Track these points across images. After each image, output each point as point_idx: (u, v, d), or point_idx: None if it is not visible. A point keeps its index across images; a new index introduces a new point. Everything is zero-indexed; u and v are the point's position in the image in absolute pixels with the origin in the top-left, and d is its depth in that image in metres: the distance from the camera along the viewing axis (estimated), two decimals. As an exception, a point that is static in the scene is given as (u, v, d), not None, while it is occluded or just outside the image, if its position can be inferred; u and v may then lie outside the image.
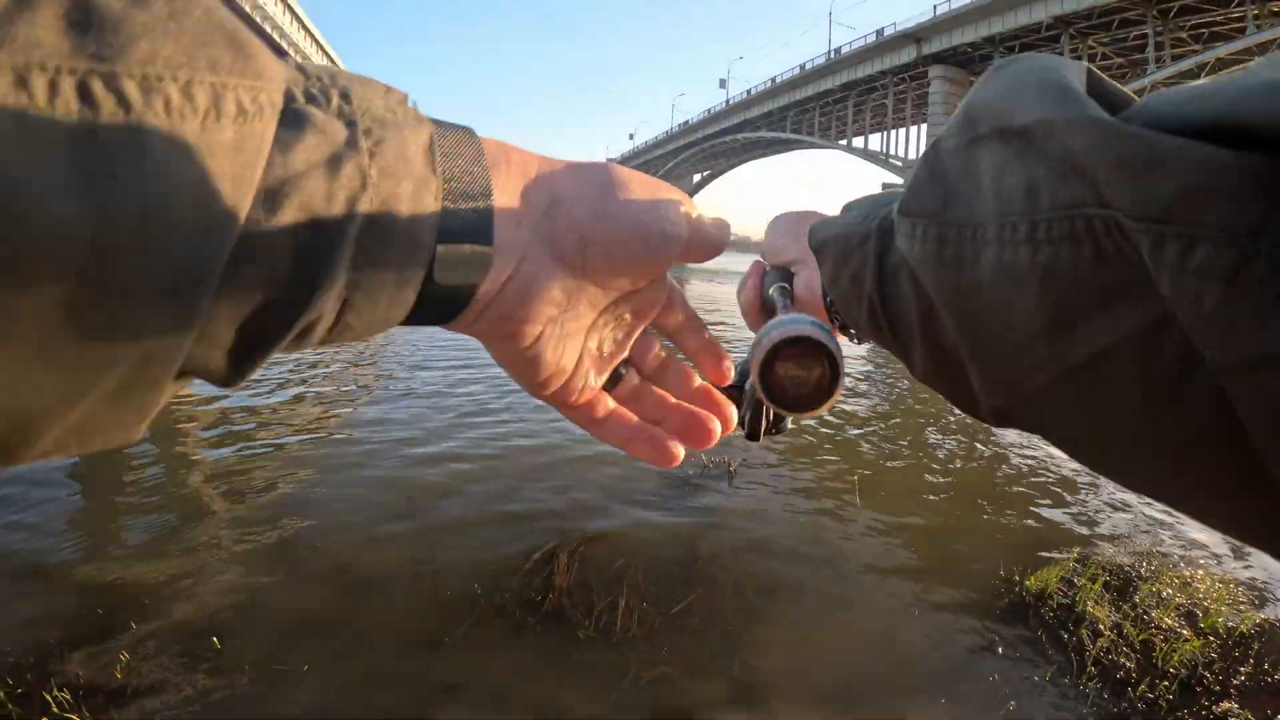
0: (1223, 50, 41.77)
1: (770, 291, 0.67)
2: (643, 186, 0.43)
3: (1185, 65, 43.66)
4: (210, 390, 7.38)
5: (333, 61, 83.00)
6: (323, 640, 3.19)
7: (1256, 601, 4.27)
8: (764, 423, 0.67)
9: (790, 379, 0.39)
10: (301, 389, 7.83)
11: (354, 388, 8.04)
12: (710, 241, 0.48)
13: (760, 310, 0.71)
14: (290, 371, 8.44)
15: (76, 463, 5.38)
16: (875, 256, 0.45)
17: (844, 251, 0.49)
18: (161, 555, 3.96)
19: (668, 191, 0.45)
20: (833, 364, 0.39)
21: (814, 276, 0.63)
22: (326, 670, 2.98)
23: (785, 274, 0.69)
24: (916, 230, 0.38)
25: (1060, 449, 0.31)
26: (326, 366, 8.86)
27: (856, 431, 7.70)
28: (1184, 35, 46.46)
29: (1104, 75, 0.31)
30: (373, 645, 3.13)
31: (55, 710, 2.65)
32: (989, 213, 0.33)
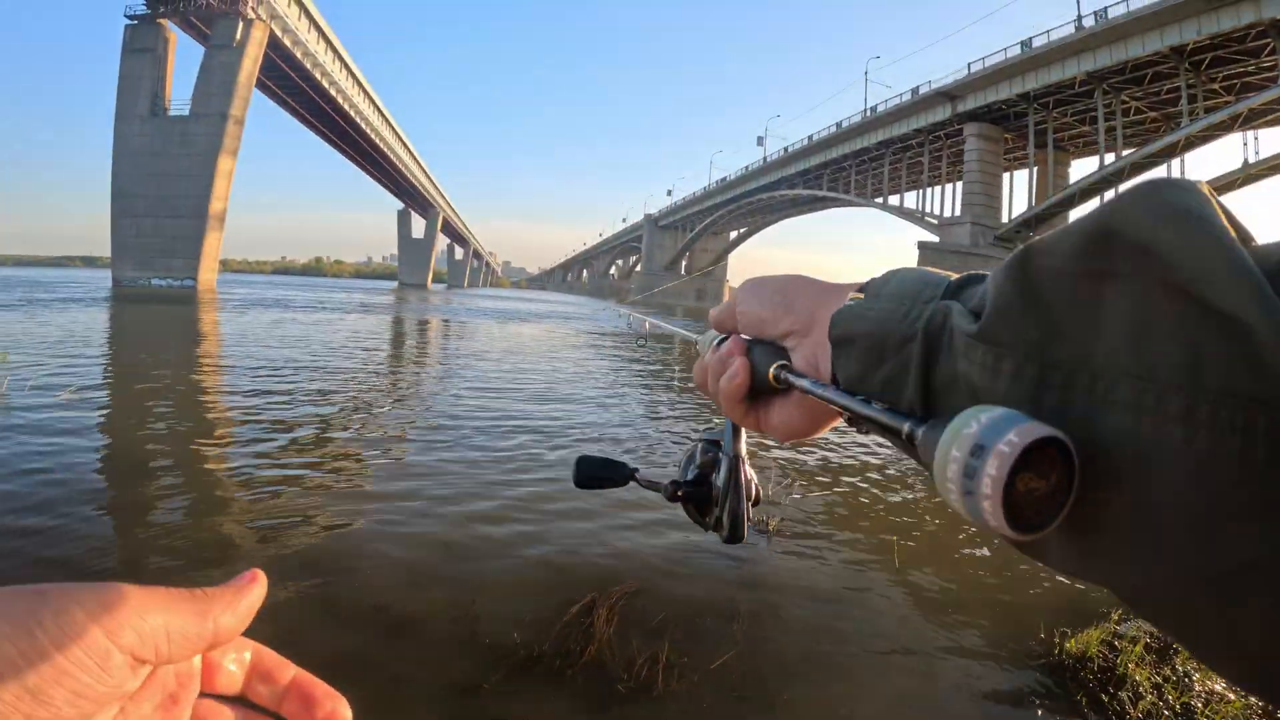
0: (1255, 101, 41.52)
1: (774, 371, 0.58)
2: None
3: (1219, 117, 43.41)
4: (248, 432, 7.64)
5: (375, 104, 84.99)
6: (359, 681, 3.21)
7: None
8: (746, 521, 0.63)
9: (1030, 494, 0.32)
10: (342, 432, 7.98)
11: (394, 432, 8.18)
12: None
13: (748, 394, 0.62)
14: (334, 413, 8.61)
15: (114, 494, 5.56)
16: (920, 366, 0.41)
17: (877, 350, 0.45)
18: (183, 573, 4.08)
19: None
20: (1068, 463, 0.32)
21: (817, 353, 0.56)
22: (362, 712, 3.02)
23: (777, 350, 0.60)
24: (1003, 365, 0.34)
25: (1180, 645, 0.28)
26: (369, 410, 9.01)
27: (892, 491, 7.68)
28: (1216, 87, 46.24)
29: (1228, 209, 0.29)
30: (411, 688, 3.21)
31: None
32: (1117, 367, 0.30)
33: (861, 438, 10.57)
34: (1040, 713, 3.50)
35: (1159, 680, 3.79)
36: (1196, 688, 3.75)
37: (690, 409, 11.84)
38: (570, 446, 8.34)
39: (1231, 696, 3.68)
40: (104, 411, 8.73)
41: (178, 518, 5.32)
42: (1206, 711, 3.52)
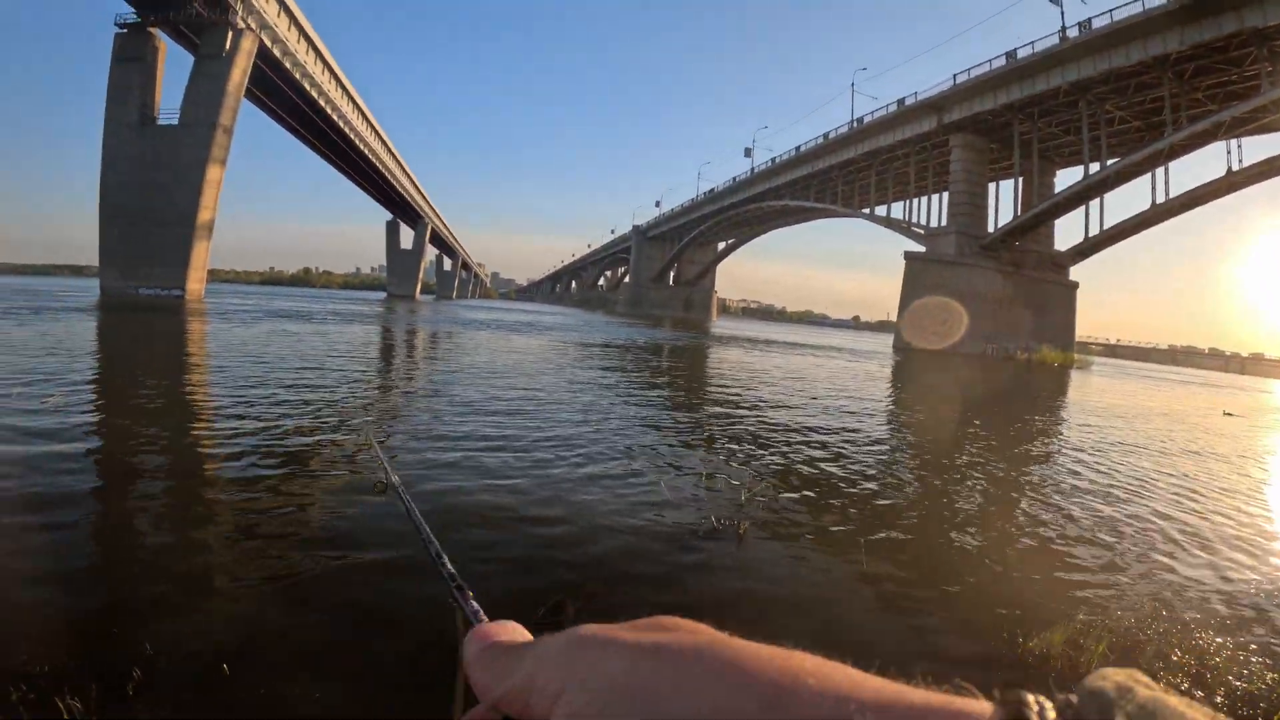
0: (1239, 109, 42.00)
1: None
2: None
3: (1202, 126, 43.92)
4: (230, 422, 7.59)
5: (370, 122, 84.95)
6: (332, 672, 3.30)
7: (1268, 664, 4.22)
8: None
9: None
10: (330, 434, 7.95)
11: (366, 419, 8.17)
12: None
13: None
14: (320, 401, 8.59)
15: (100, 485, 5.56)
16: None
17: None
18: (175, 579, 4.11)
19: None
20: None
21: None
22: (334, 702, 3.07)
23: None
24: None
25: None
26: (359, 400, 9.00)
27: (860, 494, 7.71)
28: (1199, 96, 46.71)
29: None
30: (381, 679, 3.21)
31: (66, 717, 2.76)
32: None
33: (827, 444, 10.63)
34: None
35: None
36: (1162, 686, 3.76)
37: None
38: (544, 447, 8.35)
39: (1198, 693, 3.70)
40: (93, 418, 8.71)
41: (160, 530, 5.31)
42: (1167, 709, 3.53)
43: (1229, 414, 25.39)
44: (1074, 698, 0.32)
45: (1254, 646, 4.43)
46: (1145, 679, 0.32)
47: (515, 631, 0.61)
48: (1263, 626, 4.84)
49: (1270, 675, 4.00)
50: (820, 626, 4.34)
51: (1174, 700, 0.30)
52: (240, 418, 9.04)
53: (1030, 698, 0.31)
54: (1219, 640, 4.44)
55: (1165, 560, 6.18)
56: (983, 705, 0.32)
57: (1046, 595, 5.08)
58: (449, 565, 0.85)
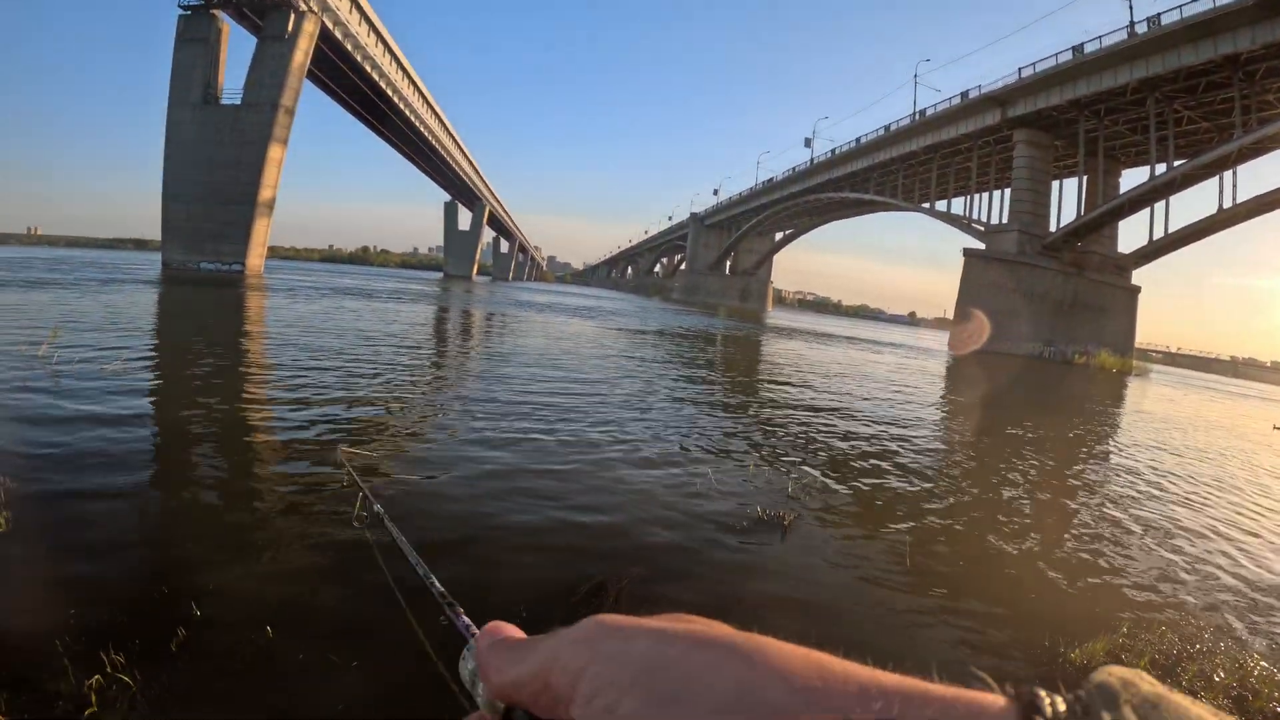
0: (1313, 114, 40.58)
1: None
2: None
3: (1273, 129, 42.43)
4: (286, 392, 7.75)
5: (428, 100, 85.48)
6: (370, 642, 3.38)
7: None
8: None
9: None
10: (375, 406, 8.06)
11: (425, 401, 8.27)
12: None
13: None
14: (369, 383, 8.72)
15: (156, 467, 5.71)
16: None
17: None
18: (222, 547, 4.25)
19: None
20: None
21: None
22: (371, 671, 3.15)
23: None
24: None
25: None
26: (409, 381, 9.11)
27: (911, 491, 7.64)
28: (1270, 98, 45.17)
29: None
30: (418, 653, 3.27)
31: (109, 670, 2.84)
32: None
33: (886, 435, 10.53)
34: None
35: (1163, 695, 3.73)
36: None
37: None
38: (601, 428, 8.40)
39: (1236, 715, 3.62)
40: (151, 385, 8.95)
41: (212, 496, 5.45)
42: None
43: (1278, 427, 25.11)
44: (1082, 692, 0.33)
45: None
46: (1149, 677, 0.33)
47: (516, 631, 0.62)
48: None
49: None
50: (860, 623, 4.33)
51: (1177, 696, 0.31)
52: (299, 391, 9.22)
53: (1042, 691, 0.32)
54: (1268, 661, 4.34)
55: (1215, 571, 6.05)
56: (999, 699, 0.33)
57: (1092, 605, 5.00)
58: (438, 584, 0.86)
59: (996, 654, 4.09)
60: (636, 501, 6.08)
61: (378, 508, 1.71)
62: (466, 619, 0.78)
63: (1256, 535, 7.72)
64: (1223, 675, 4.04)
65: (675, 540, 5.28)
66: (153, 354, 11.91)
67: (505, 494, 5.91)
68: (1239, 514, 8.69)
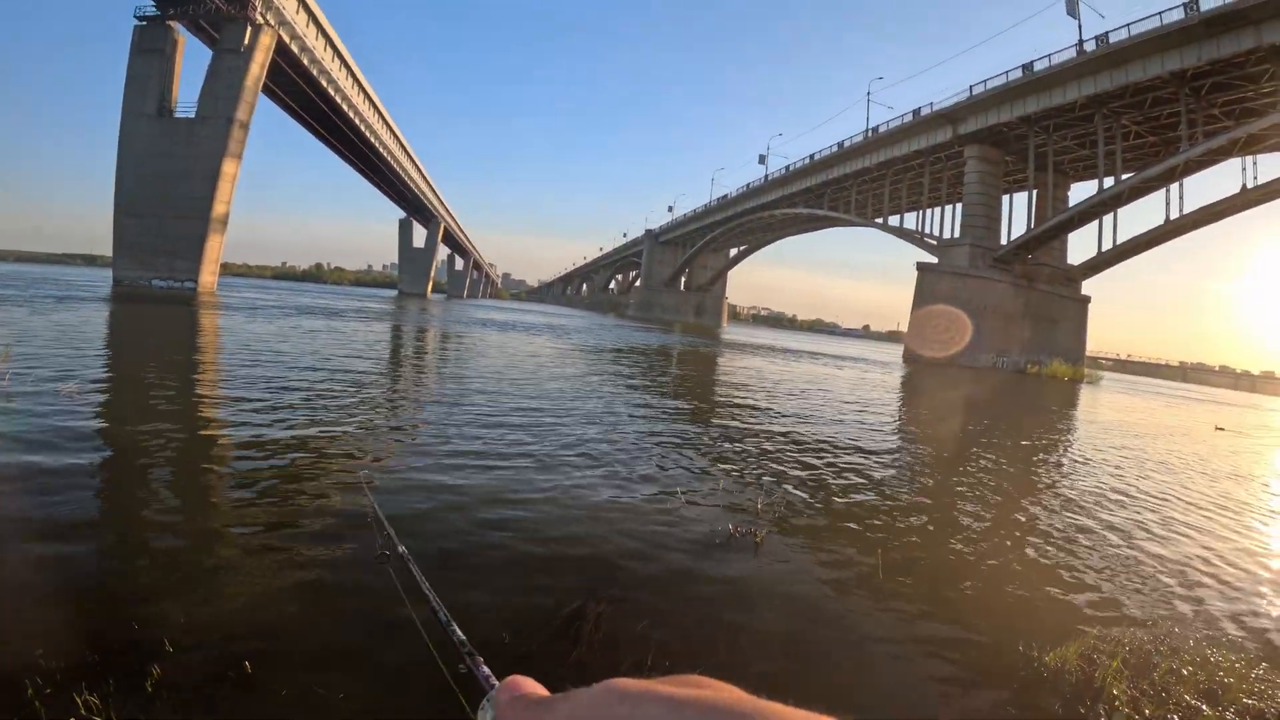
0: (1254, 126, 41.86)
1: None
2: None
3: (1218, 142, 43.77)
4: (241, 422, 7.65)
5: (379, 111, 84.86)
6: (353, 673, 3.32)
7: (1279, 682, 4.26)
8: None
9: None
10: (339, 426, 7.99)
11: (390, 422, 8.21)
12: None
13: None
14: (324, 406, 8.65)
15: (114, 483, 5.60)
16: None
17: None
18: (192, 579, 4.13)
19: None
20: None
21: None
22: (355, 708, 3.09)
23: None
24: None
25: None
26: (357, 401, 9.04)
27: (878, 504, 7.76)
28: (1216, 112, 46.54)
29: None
30: (402, 682, 3.25)
31: (83, 712, 2.77)
32: None
33: (849, 454, 10.67)
34: (1018, 724, 3.56)
35: (1136, 694, 3.85)
36: (1173, 700, 3.82)
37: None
38: (572, 449, 8.42)
39: (1207, 709, 3.74)
40: (103, 408, 8.78)
41: (170, 517, 5.37)
42: (1181, 724, 3.58)
43: (1220, 428, 26.59)
44: None
45: (1264, 662, 4.47)
46: None
47: (537, 687, 0.62)
48: (1272, 645, 4.89)
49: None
50: (836, 636, 4.40)
51: None
52: (263, 414, 9.13)
53: None
54: (1236, 656, 4.48)
55: (1182, 569, 6.22)
56: None
57: (1063, 610, 5.13)
58: (459, 632, 0.88)
59: (972, 664, 4.18)
60: (612, 522, 6.09)
61: (402, 549, 1.67)
62: (486, 669, 0.78)
63: (1212, 533, 7.93)
64: (1192, 670, 4.17)
65: (651, 562, 5.30)
66: (108, 376, 11.71)
67: (480, 519, 5.90)
68: (1193, 511, 8.91)
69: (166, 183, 52.36)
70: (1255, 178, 46.44)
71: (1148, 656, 4.33)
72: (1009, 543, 6.75)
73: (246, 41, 53.48)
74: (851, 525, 6.82)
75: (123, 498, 5.69)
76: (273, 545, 4.91)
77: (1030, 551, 6.52)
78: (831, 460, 9.91)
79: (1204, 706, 3.79)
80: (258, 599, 4.03)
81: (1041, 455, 13.37)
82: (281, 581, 4.28)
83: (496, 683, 0.66)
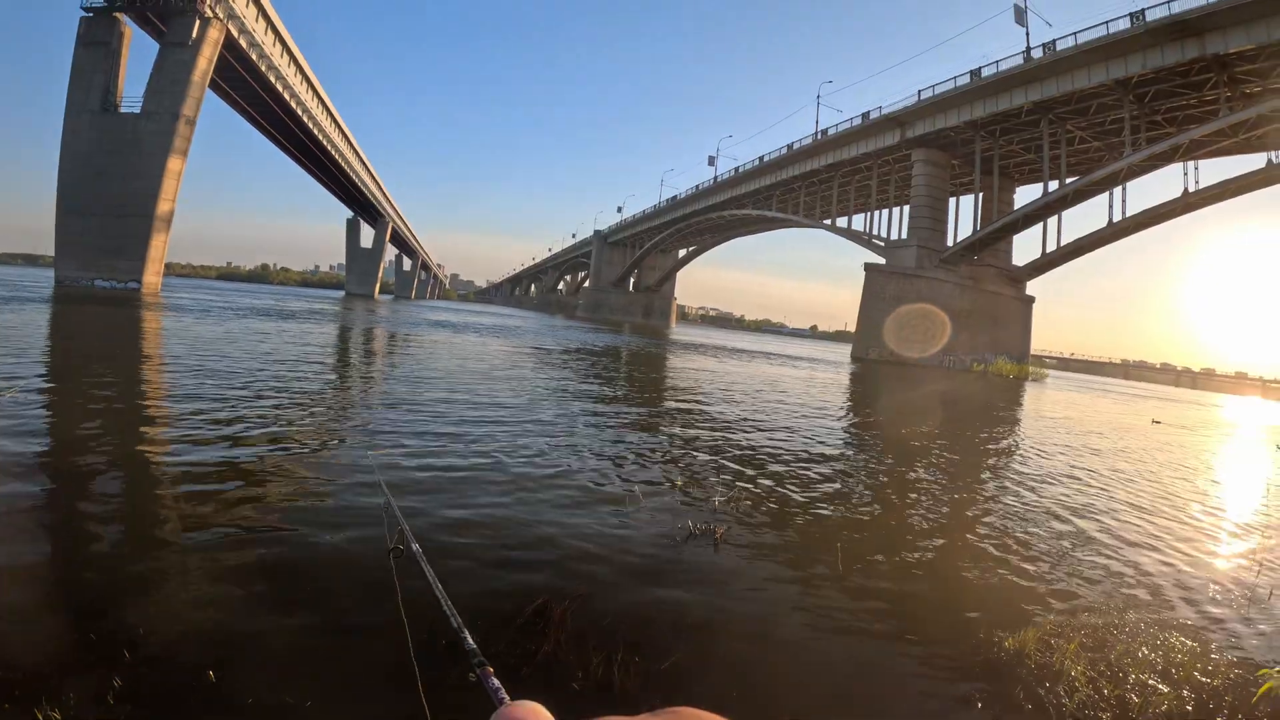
0: (1197, 133, 43.11)
1: None
2: None
3: (1161, 148, 44.96)
4: (185, 437, 7.61)
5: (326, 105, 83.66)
6: (315, 681, 3.30)
7: (1231, 658, 4.45)
8: None
9: None
10: (290, 427, 7.96)
11: (343, 426, 8.17)
12: None
13: None
14: (279, 415, 8.58)
15: (50, 498, 5.52)
16: None
17: None
18: (150, 586, 4.12)
19: None
20: None
21: None
22: (319, 713, 3.09)
23: None
24: None
25: None
26: (312, 405, 8.96)
27: (835, 499, 7.90)
28: (1159, 119, 47.74)
29: None
30: (369, 686, 3.28)
31: None
32: None
33: (805, 451, 10.84)
34: (980, 709, 3.67)
35: (1094, 674, 4.00)
36: (1130, 679, 3.98)
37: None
38: (529, 451, 8.46)
39: (1164, 688, 3.91)
40: (45, 412, 8.62)
41: (117, 526, 5.33)
42: (1140, 702, 3.74)
43: (1157, 422, 27.76)
44: None
45: (1214, 642, 4.67)
46: None
47: (538, 713, 0.63)
48: (1227, 624, 5.10)
49: (1233, 672, 4.23)
50: (799, 628, 4.51)
51: None
52: (212, 420, 9.03)
53: None
54: (1189, 637, 4.68)
55: (1133, 554, 6.44)
56: None
57: (1019, 595, 5.30)
58: (470, 640, 0.91)
59: (935, 651, 4.31)
60: (574, 522, 6.15)
61: (416, 547, 1.68)
62: (496, 681, 0.76)
63: (1157, 515, 8.20)
64: (1146, 652, 4.35)
65: (615, 558, 5.37)
66: (50, 381, 11.51)
67: (445, 517, 5.97)
68: (1137, 498, 9.19)
69: (110, 180, 50.96)
70: (1197, 182, 47.71)
71: (1105, 640, 4.49)
72: (965, 533, 6.92)
73: (195, 35, 52.28)
74: (810, 519, 6.95)
75: (67, 507, 5.55)
76: (229, 548, 4.89)
77: (988, 542, 6.69)
78: (785, 456, 10.04)
79: (1161, 684, 3.94)
80: (219, 605, 4.01)
81: (989, 446, 13.66)
82: (239, 589, 4.26)
83: (506, 697, 0.66)
